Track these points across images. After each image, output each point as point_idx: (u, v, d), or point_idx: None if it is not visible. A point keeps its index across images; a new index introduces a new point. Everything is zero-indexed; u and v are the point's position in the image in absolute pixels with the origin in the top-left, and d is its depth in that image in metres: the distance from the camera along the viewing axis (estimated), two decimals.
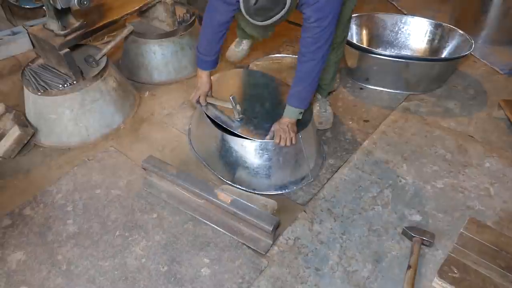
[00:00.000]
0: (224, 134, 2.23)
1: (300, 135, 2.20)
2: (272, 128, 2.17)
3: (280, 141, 2.12)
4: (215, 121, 2.28)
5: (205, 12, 2.11)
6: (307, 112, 2.34)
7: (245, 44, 3.07)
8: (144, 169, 2.28)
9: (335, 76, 2.59)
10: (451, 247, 1.88)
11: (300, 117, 2.14)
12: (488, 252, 1.84)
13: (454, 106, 2.90)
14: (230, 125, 2.22)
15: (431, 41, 3.26)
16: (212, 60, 2.27)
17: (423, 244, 1.95)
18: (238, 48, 3.09)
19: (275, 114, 2.20)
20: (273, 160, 2.20)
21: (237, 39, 3.09)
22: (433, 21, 3.24)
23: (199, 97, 2.35)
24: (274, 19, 1.73)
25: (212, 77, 2.41)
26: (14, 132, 2.47)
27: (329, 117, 2.66)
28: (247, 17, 1.76)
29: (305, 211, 2.15)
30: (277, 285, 1.82)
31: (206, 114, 2.32)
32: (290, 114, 2.11)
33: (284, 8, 1.70)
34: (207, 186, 2.10)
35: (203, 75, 2.32)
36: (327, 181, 2.32)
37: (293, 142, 2.15)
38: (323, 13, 1.82)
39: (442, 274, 1.76)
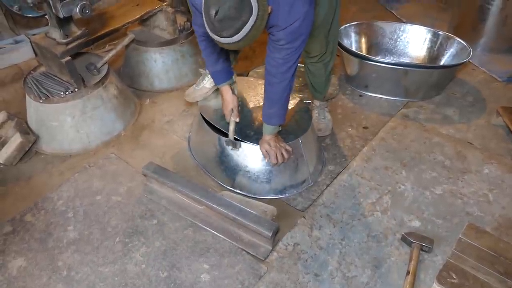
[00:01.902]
0: (227, 139, 2.25)
1: (300, 139, 2.22)
2: (263, 150, 2.15)
3: (277, 160, 2.14)
4: (215, 127, 2.30)
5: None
6: (307, 117, 2.36)
7: (208, 81, 2.51)
8: (145, 175, 2.29)
9: (330, 80, 2.59)
10: (449, 253, 1.88)
11: (280, 129, 2.14)
12: (486, 257, 1.84)
13: (453, 113, 2.91)
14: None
15: (429, 48, 3.28)
16: (221, 70, 2.21)
17: (422, 250, 1.96)
18: (198, 86, 2.55)
19: None
20: None
21: (202, 73, 2.58)
22: (431, 29, 3.27)
23: (232, 114, 2.26)
24: (244, 30, 1.54)
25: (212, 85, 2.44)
26: (16, 139, 2.49)
27: (328, 124, 2.67)
28: (214, 37, 1.58)
29: (304, 217, 2.16)
30: None
31: (206, 120, 2.34)
32: (271, 131, 2.10)
33: (252, 15, 1.52)
34: (207, 192, 2.11)
35: (223, 91, 2.27)
36: (326, 187, 2.33)
37: (289, 150, 2.17)
38: (295, 35, 1.74)
39: (441, 279, 1.76)
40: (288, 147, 2.17)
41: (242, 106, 2.43)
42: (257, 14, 1.54)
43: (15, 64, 3.12)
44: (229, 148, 2.25)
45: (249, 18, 1.52)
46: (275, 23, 1.72)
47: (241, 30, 1.54)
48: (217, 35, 1.57)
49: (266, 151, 2.14)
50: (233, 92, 2.28)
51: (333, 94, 3.07)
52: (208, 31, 1.60)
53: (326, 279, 1.87)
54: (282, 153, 2.14)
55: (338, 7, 2.21)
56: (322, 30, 2.21)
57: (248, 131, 2.24)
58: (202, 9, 1.58)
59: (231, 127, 2.23)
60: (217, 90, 2.56)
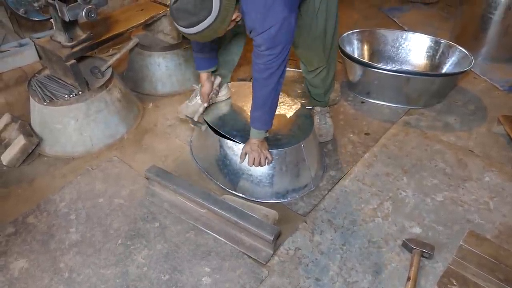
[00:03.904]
0: (234, 143, 2.26)
1: (303, 144, 2.23)
2: (244, 151, 2.18)
3: (254, 163, 2.16)
4: (218, 131, 2.31)
5: None
6: (308, 123, 2.38)
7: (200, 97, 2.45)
8: (147, 178, 2.30)
9: (330, 90, 2.63)
10: (450, 259, 1.89)
11: (267, 135, 2.14)
12: (487, 264, 1.85)
13: (454, 121, 2.93)
14: (234, 135, 2.26)
15: (431, 57, 3.30)
16: (205, 58, 2.22)
17: (422, 256, 1.96)
18: (191, 102, 2.53)
19: (275, 123, 2.22)
20: (276, 169, 2.23)
21: (195, 88, 2.55)
22: (433, 37, 3.29)
23: (203, 99, 2.35)
24: (198, 27, 1.59)
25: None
26: (19, 142, 2.50)
27: (329, 129, 2.69)
28: (173, 21, 1.64)
29: (305, 222, 2.16)
30: None
31: (209, 124, 2.35)
32: (257, 135, 2.11)
33: (209, 15, 1.56)
34: (209, 195, 2.12)
35: (202, 76, 2.29)
36: (328, 193, 2.34)
37: (269, 159, 2.18)
38: (274, 42, 1.73)
39: (442, 286, 1.77)
40: (269, 156, 2.17)
41: (242, 110, 2.46)
42: (216, 17, 1.58)
43: (19, 67, 3.14)
44: (191, 125, 2.43)
45: (206, 18, 1.57)
46: (253, 27, 1.74)
47: (195, 26, 1.59)
48: (174, 21, 1.63)
49: (246, 152, 2.17)
50: (208, 79, 2.30)
51: (335, 100, 3.08)
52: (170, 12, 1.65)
53: (327, 284, 1.88)
54: (260, 159, 2.15)
55: (337, 22, 2.25)
56: (320, 42, 2.23)
57: (247, 136, 2.24)
58: None
59: (200, 109, 2.38)
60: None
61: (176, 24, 1.65)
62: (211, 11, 1.55)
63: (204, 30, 1.61)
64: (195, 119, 2.35)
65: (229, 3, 1.61)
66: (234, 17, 1.68)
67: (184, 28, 1.63)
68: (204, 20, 1.57)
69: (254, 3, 1.67)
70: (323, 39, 2.24)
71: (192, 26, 1.60)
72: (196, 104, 2.50)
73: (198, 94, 2.48)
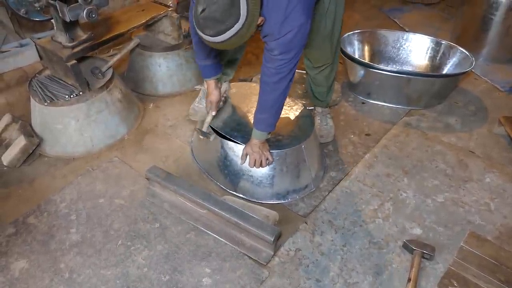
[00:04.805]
0: (234, 143, 2.26)
1: (303, 145, 2.23)
2: (245, 152, 2.18)
3: (255, 164, 2.16)
4: (219, 132, 2.31)
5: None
6: (309, 123, 2.38)
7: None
8: (147, 179, 2.30)
9: (332, 88, 2.63)
10: (451, 261, 1.89)
11: (269, 137, 2.15)
12: (487, 266, 1.85)
13: (455, 121, 2.93)
14: (235, 136, 2.26)
15: (432, 57, 3.30)
16: (209, 65, 2.22)
17: (423, 257, 1.96)
18: (201, 104, 2.61)
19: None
20: (277, 170, 2.23)
21: (202, 90, 2.60)
22: (434, 38, 3.29)
23: (210, 107, 2.33)
24: (225, 35, 1.56)
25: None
26: (20, 142, 2.50)
27: (330, 130, 2.69)
28: (198, 31, 1.61)
29: (306, 223, 2.16)
30: None
31: (211, 127, 2.35)
32: (259, 136, 2.10)
33: (237, 22, 1.54)
34: (209, 196, 2.12)
35: (208, 84, 2.29)
36: (328, 193, 2.34)
37: (270, 160, 2.18)
38: (288, 47, 1.74)
39: (442, 287, 1.77)
40: (270, 158, 2.18)
41: (243, 111, 2.46)
42: (244, 23, 1.56)
43: (20, 67, 3.14)
44: (200, 137, 2.36)
45: (234, 25, 1.55)
46: (269, 32, 1.74)
47: (223, 33, 1.56)
48: (200, 31, 1.61)
49: (247, 153, 2.17)
50: (216, 87, 2.29)
51: (335, 101, 3.08)
52: (194, 24, 1.63)
53: (327, 285, 1.88)
54: (261, 161, 2.16)
55: (341, 20, 2.25)
56: (328, 42, 2.24)
57: (248, 137, 2.24)
58: (194, 1, 1.61)
59: (207, 119, 2.33)
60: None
61: (201, 34, 1.61)
62: (239, 18, 1.54)
63: (232, 38, 1.58)
64: (204, 129, 2.32)
65: (255, 8, 1.59)
66: (258, 21, 1.66)
67: (211, 37, 1.59)
68: (232, 27, 1.55)
69: (275, 9, 1.67)
70: (331, 38, 2.25)
71: (220, 34, 1.56)
72: (203, 109, 2.48)
73: (202, 98, 2.47)
